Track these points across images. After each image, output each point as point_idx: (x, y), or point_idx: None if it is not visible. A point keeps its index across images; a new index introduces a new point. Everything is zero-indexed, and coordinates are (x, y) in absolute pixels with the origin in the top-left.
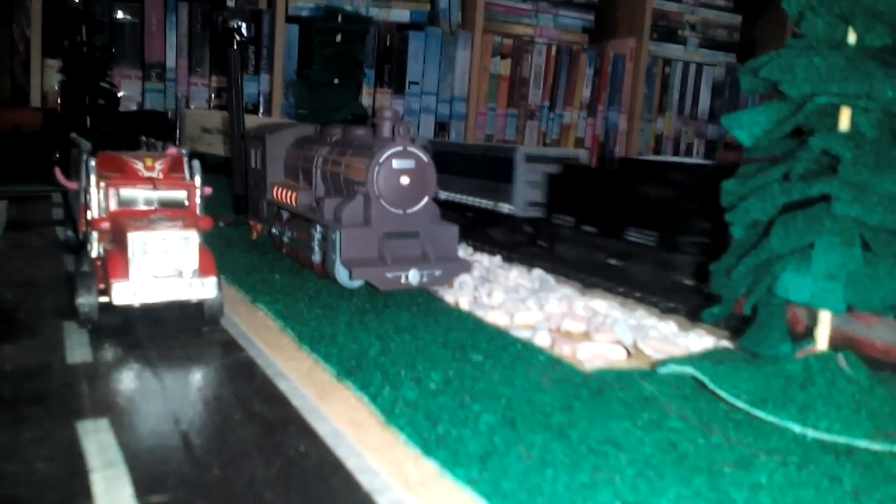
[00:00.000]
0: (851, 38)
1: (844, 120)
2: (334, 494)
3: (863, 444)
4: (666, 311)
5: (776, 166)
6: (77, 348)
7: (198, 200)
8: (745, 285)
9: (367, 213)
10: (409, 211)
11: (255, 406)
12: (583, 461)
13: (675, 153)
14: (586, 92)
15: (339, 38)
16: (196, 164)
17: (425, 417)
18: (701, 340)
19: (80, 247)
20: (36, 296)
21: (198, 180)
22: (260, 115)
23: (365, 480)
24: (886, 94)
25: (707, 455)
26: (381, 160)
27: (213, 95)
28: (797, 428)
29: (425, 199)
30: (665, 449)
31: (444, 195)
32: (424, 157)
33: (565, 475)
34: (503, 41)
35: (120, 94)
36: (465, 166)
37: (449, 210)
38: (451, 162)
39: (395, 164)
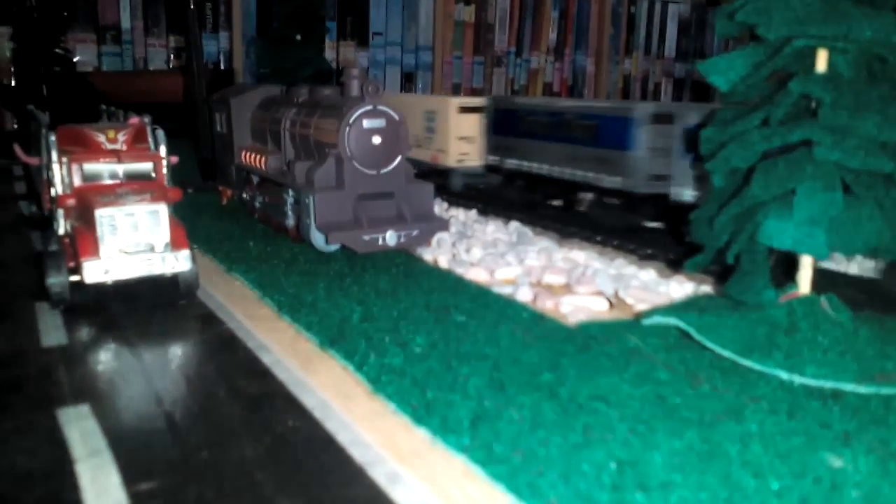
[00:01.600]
0: None
1: (821, 62)
2: (327, 470)
3: (849, 387)
4: (644, 259)
5: (755, 112)
6: (51, 331)
7: (165, 171)
8: (727, 233)
9: (340, 175)
10: (383, 171)
11: (239, 381)
12: (574, 420)
13: (644, 95)
14: (552, 35)
15: None
16: (160, 133)
17: (413, 384)
18: (682, 287)
19: (46, 223)
20: (3, 276)
21: (163, 150)
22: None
23: (357, 453)
24: (865, 33)
25: (696, 406)
26: (352, 121)
27: (171, 56)
28: (784, 375)
29: (398, 159)
30: (654, 402)
31: None
32: (395, 115)
33: (558, 436)
34: None
35: (75, 60)
36: None
37: None
38: None
39: (366, 123)
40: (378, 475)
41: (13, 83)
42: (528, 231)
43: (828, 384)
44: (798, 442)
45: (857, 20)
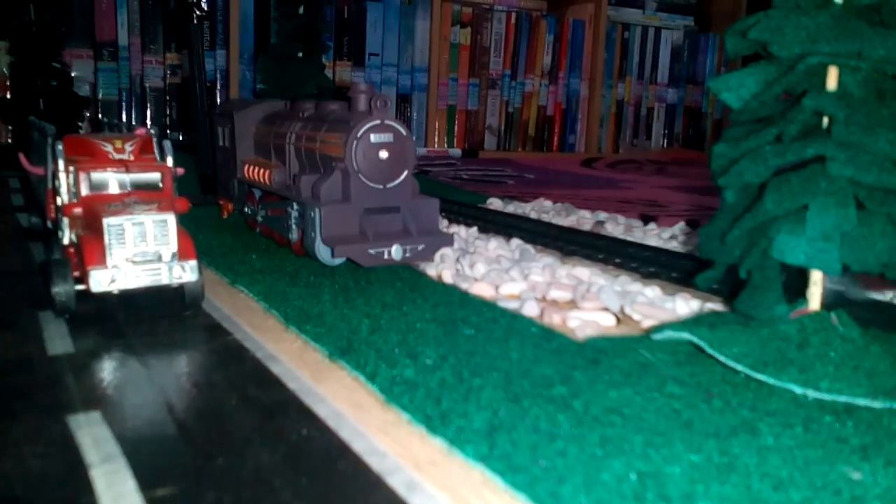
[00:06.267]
0: None
1: (832, 79)
2: (344, 478)
3: (863, 402)
4: (648, 276)
5: (768, 128)
6: (57, 339)
7: (172, 182)
8: (739, 249)
9: (346, 189)
10: (389, 186)
11: (249, 391)
12: (590, 432)
13: (636, 120)
14: (547, 59)
15: (301, 9)
16: (167, 144)
17: (426, 395)
18: (688, 304)
19: (48, 234)
20: (6, 286)
21: (170, 161)
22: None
23: (374, 462)
24: (878, 52)
25: (711, 420)
26: (359, 134)
27: (168, 73)
28: (798, 390)
29: (405, 174)
30: (669, 416)
31: None
32: (403, 131)
33: (575, 447)
34: (462, 9)
35: (73, 75)
36: None
37: None
38: None
39: (374, 138)
40: (397, 483)
41: (9, 96)
42: (530, 248)
43: (841, 399)
44: (815, 455)
45: (870, 39)
